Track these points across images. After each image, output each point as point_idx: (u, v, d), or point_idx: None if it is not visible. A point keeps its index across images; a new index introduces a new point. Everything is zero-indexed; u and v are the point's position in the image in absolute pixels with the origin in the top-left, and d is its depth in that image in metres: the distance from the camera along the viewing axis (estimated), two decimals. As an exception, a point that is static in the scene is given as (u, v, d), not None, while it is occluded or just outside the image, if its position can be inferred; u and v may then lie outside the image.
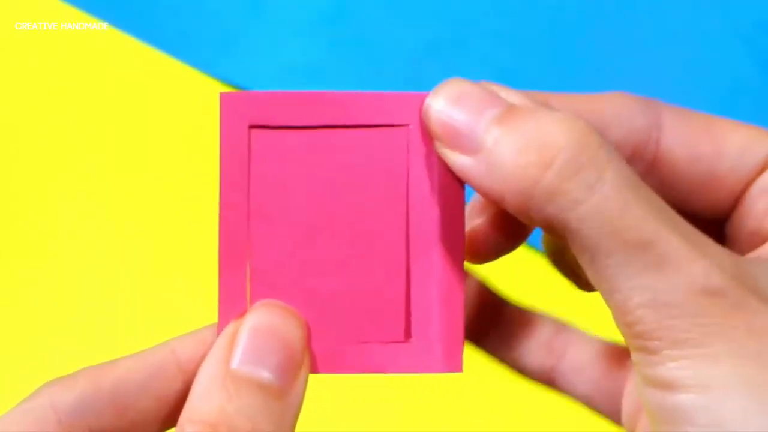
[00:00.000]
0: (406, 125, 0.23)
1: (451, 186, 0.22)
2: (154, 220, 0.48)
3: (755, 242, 0.24)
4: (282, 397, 0.21)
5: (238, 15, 0.55)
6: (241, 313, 0.22)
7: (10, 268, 0.48)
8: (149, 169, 0.50)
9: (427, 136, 0.22)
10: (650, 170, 0.24)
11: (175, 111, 0.52)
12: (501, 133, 0.20)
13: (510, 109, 0.21)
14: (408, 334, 0.22)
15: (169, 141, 0.51)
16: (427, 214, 0.22)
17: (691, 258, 0.20)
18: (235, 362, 0.21)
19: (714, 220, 0.25)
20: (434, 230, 0.22)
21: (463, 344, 0.22)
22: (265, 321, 0.21)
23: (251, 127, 0.22)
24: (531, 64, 0.52)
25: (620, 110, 0.25)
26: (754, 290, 0.20)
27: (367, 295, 0.22)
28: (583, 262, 0.20)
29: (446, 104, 0.21)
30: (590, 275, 0.21)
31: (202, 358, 0.21)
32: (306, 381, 0.22)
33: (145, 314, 0.47)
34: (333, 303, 0.22)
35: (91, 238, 0.48)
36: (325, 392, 0.45)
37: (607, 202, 0.20)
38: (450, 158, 0.21)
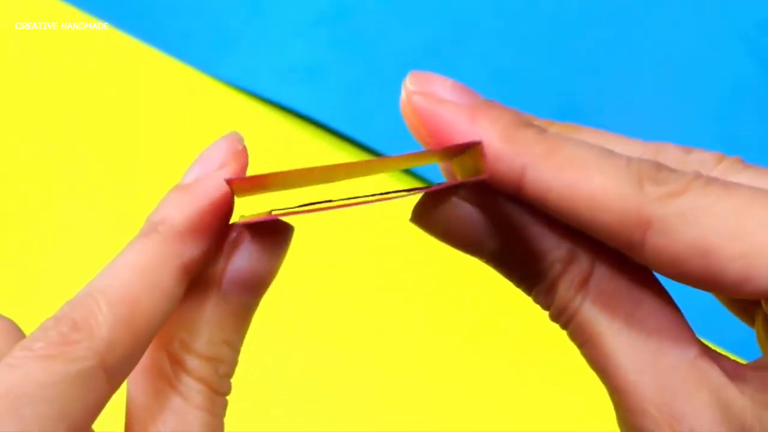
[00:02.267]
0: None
1: None
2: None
3: None
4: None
5: (238, 15, 0.55)
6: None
7: (11, 267, 0.48)
8: (149, 168, 0.50)
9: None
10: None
11: (175, 111, 0.52)
12: None
13: None
14: None
15: (169, 140, 0.51)
16: None
17: None
18: (226, 286, 0.21)
19: None
20: None
21: None
22: (254, 267, 0.22)
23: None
24: (531, 64, 0.52)
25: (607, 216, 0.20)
26: None
27: None
28: None
29: None
30: None
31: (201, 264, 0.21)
32: None
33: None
34: None
35: (91, 238, 0.48)
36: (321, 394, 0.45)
37: None
38: None
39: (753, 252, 0.19)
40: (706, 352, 0.20)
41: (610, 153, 0.20)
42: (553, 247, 0.21)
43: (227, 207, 0.21)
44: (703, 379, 0.19)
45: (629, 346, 0.20)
